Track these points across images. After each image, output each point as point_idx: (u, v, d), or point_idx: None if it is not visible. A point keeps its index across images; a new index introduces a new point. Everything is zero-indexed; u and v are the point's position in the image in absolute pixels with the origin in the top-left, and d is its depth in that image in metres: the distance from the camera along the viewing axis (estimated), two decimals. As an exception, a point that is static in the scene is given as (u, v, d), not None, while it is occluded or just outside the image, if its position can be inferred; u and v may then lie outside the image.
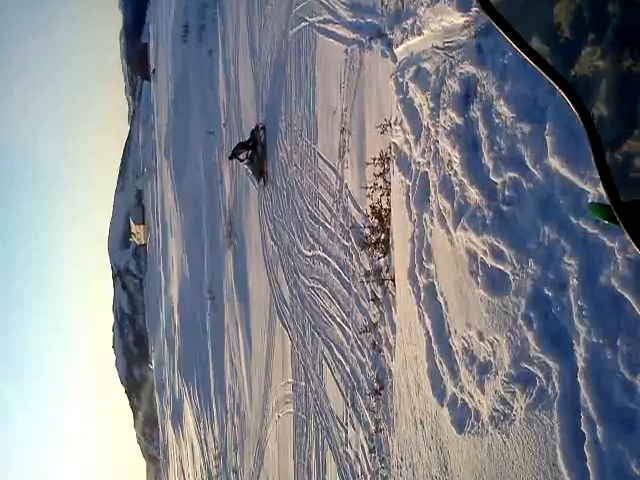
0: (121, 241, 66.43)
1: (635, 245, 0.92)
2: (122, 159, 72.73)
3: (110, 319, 71.14)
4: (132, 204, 61.64)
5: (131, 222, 60.33)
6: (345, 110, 9.82)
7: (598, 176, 0.96)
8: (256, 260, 17.00)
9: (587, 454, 3.14)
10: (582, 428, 3.21)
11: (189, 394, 30.34)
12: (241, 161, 17.34)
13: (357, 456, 8.53)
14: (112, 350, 69.96)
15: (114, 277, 68.81)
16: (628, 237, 0.92)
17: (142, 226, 56.51)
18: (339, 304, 9.90)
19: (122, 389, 67.84)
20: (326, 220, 10.75)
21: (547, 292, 3.65)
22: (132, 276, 64.49)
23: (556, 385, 3.48)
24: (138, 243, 60.02)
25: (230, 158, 17.96)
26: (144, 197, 55.54)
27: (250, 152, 16.83)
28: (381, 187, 7.73)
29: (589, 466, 3.11)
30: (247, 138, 17.50)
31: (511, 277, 3.98)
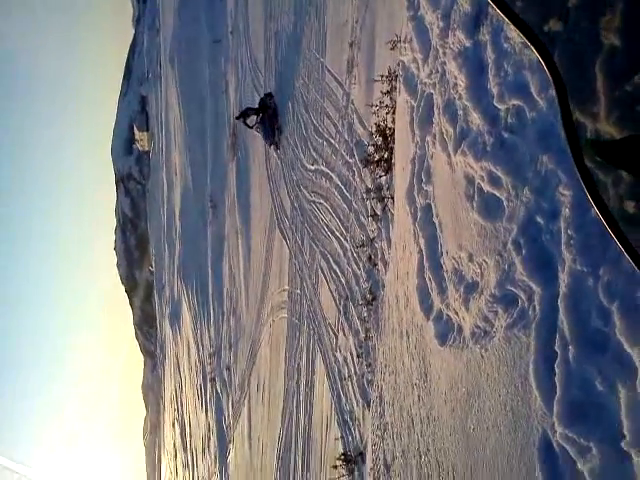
0: (124, 147, 65.79)
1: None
2: (126, 63, 70.86)
3: (112, 223, 71.81)
4: (136, 110, 60.62)
5: (135, 129, 59.57)
6: (356, 22, 9.63)
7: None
8: (259, 172, 17.07)
9: (557, 371, 3.35)
10: (556, 348, 3.41)
11: (187, 296, 31.07)
12: (250, 127, 16.16)
13: (345, 360, 8.97)
14: (114, 252, 71.08)
15: (117, 183, 68.69)
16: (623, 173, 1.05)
17: (146, 133, 55.81)
18: (339, 218, 10.09)
19: (122, 288, 69.35)
20: (330, 135, 10.77)
21: (539, 220, 3.78)
22: (135, 182, 64.35)
23: (537, 307, 3.68)
24: (142, 150, 59.48)
25: (237, 119, 16.86)
26: (148, 104, 54.49)
27: (260, 117, 15.63)
28: (387, 105, 7.74)
29: (557, 381, 3.33)
30: (257, 105, 16.16)
31: (505, 203, 4.11)
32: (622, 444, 2.80)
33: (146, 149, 57.16)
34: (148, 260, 56.07)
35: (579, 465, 3.04)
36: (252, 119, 15.84)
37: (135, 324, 65.18)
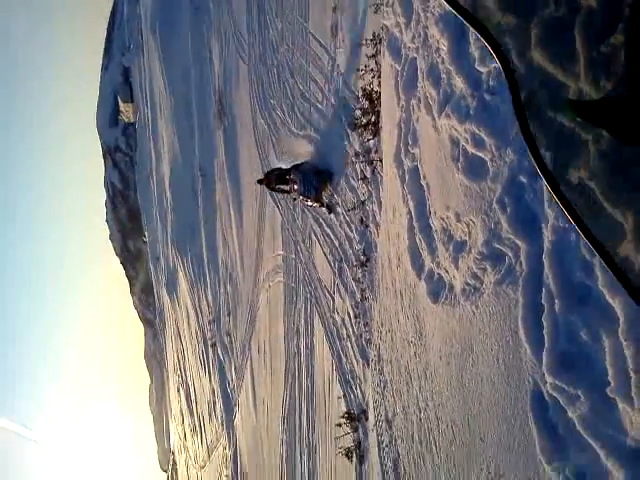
0: (110, 120, 64.92)
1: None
2: (107, 35, 69.44)
3: (102, 195, 71.44)
4: (119, 82, 59.78)
5: (119, 100, 58.83)
6: (338, -15, 9.55)
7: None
8: (247, 140, 16.98)
9: (544, 323, 3.50)
10: (542, 301, 3.55)
11: (183, 265, 31.17)
12: (285, 192, 12.09)
13: (343, 321, 9.15)
14: (106, 224, 70.95)
15: (104, 155, 68.09)
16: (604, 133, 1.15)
17: (130, 104, 55.15)
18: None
19: (117, 260, 69.45)
20: (317, 100, 10.75)
21: (522, 179, 3.88)
22: (122, 153, 63.79)
23: (523, 263, 3.81)
24: (127, 121, 58.85)
25: (260, 183, 12.48)
26: (131, 75, 53.71)
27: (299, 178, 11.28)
28: (372, 69, 7.74)
29: (545, 334, 3.48)
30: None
31: (489, 164, 4.21)
32: (607, 391, 2.95)
33: (131, 121, 56.54)
34: (141, 231, 56.02)
35: (569, 413, 3.20)
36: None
37: (133, 294, 65.47)
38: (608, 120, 1.26)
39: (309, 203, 11.25)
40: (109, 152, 67.11)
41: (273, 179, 12.06)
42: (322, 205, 10.96)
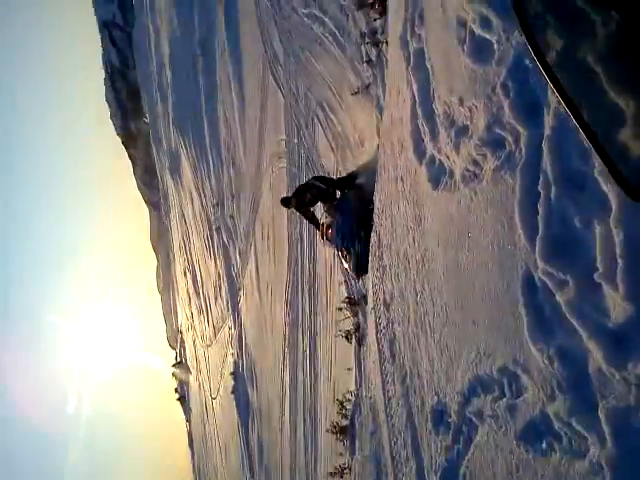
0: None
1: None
2: None
3: (101, 74, 69.72)
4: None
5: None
6: None
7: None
8: (249, 18, 16.35)
9: (540, 210, 3.55)
10: (539, 188, 3.59)
11: (185, 148, 31.06)
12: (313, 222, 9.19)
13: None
14: (106, 104, 69.76)
15: (101, 29, 65.78)
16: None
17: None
18: (333, 65, 9.91)
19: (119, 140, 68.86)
20: (322, -24, 10.28)
21: (527, 63, 3.81)
22: (119, 30, 61.67)
23: (523, 150, 3.80)
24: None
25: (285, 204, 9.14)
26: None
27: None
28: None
29: (540, 220, 3.54)
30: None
31: (496, 47, 4.09)
32: (595, 276, 3.05)
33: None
34: (142, 111, 55.24)
35: (557, 297, 3.31)
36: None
37: (136, 176, 65.48)
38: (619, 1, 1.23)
39: (344, 265, 8.44)
40: (106, 27, 64.82)
41: (306, 200, 8.75)
42: (359, 274, 8.01)
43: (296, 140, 12.37)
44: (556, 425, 3.31)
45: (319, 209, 8.82)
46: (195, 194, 29.07)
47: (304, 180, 10.66)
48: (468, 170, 4.48)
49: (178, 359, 51.72)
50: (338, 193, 8.45)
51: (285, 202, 8.94)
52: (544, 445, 3.40)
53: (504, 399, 3.84)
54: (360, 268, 7.73)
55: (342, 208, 7.93)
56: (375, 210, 7.02)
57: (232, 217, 20.64)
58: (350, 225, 7.57)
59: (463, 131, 4.56)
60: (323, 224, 8.45)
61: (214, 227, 24.22)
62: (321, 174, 9.78)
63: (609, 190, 2.99)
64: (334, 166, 9.85)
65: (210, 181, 24.86)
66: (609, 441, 2.89)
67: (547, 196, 3.50)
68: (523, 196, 3.73)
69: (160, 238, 56.72)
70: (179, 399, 53.27)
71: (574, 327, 3.15)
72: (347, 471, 8.15)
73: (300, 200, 8.70)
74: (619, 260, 2.87)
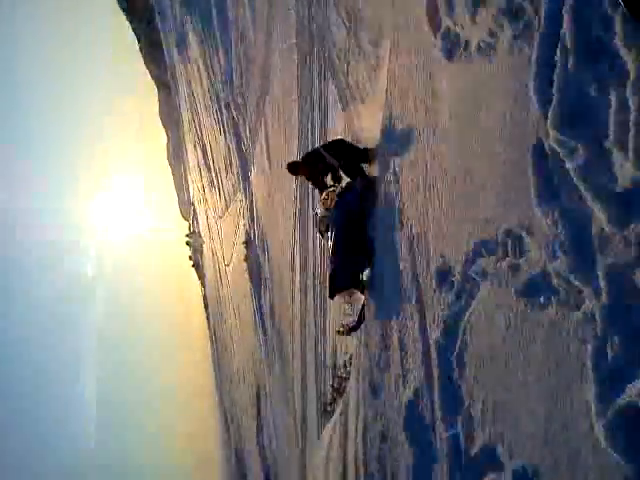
0: None
1: None
2: None
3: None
4: None
5: None
6: None
7: None
8: None
9: (555, 80, 3.50)
10: (556, 58, 3.55)
11: (191, 23, 30.26)
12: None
13: (357, 84, 9.09)
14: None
15: None
16: None
17: None
18: None
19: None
20: None
21: None
22: None
23: (542, 18, 3.71)
24: None
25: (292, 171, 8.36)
26: None
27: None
28: None
29: (554, 90, 3.50)
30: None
31: None
32: (606, 143, 3.12)
33: None
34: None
35: (567, 164, 3.40)
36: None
37: (142, 52, 62.95)
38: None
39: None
40: None
41: (319, 169, 7.77)
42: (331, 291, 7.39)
43: (306, 22, 12.00)
44: (555, 281, 3.52)
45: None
46: (203, 70, 28.45)
47: (315, 56, 11.03)
48: (484, 41, 4.43)
49: (191, 229, 53.13)
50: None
51: (293, 169, 8.18)
52: (542, 299, 3.64)
53: (507, 259, 4.06)
54: (333, 285, 7.25)
55: (342, 204, 7.24)
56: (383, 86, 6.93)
57: (242, 94, 20.28)
58: (345, 233, 7.03)
59: (481, 0, 4.46)
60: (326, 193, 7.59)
61: (223, 104, 23.84)
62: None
63: (629, 57, 2.99)
64: (345, 43, 9.59)
65: (219, 57, 24.22)
66: (604, 295, 3.11)
67: (564, 65, 3.47)
68: (539, 65, 3.70)
69: (169, 114, 55.76)
70: (193, 265, 56.00)
71: (580, 192, 3.26)
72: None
73: (311, 170, 7.88)
74: (632, 126, 2.93)
